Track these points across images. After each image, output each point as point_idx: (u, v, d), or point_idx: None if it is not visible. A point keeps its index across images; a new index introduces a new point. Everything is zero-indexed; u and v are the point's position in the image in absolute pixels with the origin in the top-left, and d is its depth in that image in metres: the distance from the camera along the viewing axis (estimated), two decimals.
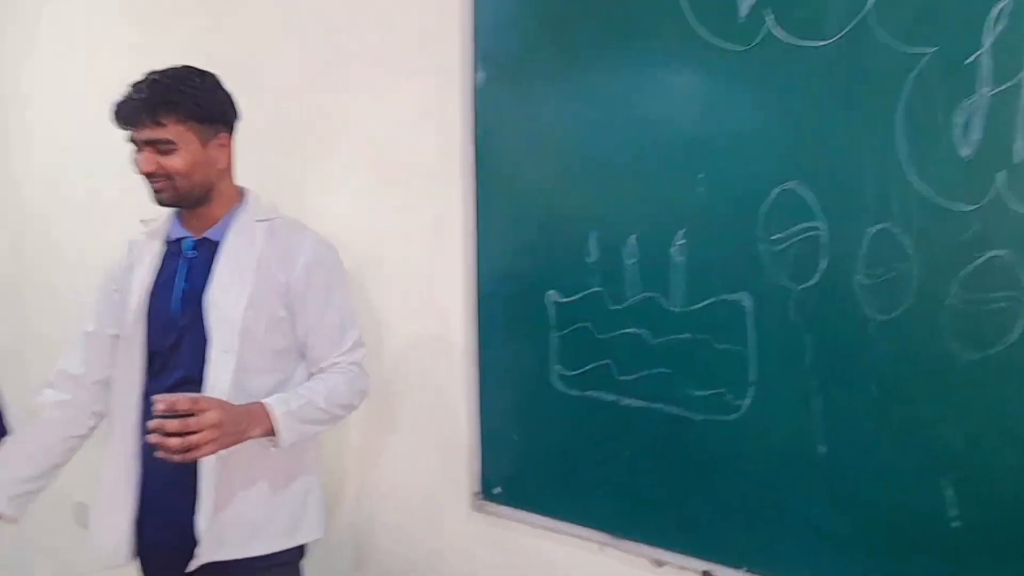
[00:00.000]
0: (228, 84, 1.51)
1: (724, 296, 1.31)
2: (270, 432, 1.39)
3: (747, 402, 1.30)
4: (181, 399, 1.29)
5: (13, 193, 2.82)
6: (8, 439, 1.58)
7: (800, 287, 1.23)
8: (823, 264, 1.20)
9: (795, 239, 1.23)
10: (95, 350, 1.59)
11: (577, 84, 1.46)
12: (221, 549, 1.47)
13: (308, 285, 1.51)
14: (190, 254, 1.53)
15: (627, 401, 1.44)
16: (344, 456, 1.90)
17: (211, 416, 1.29)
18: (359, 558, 1.89)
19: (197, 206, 1.51)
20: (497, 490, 1.64)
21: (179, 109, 1.42)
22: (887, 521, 1.17)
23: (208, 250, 1.52)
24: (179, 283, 1.51)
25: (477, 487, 1.66)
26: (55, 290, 2.69)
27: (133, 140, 1.45)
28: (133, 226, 1.62)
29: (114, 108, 1.43)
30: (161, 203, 1.50)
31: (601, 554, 1.49)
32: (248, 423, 1.37)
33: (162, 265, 1.55)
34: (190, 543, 1.45)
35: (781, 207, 1.24)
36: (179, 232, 1.55)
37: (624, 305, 1.43)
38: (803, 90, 1.21)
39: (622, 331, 1.44)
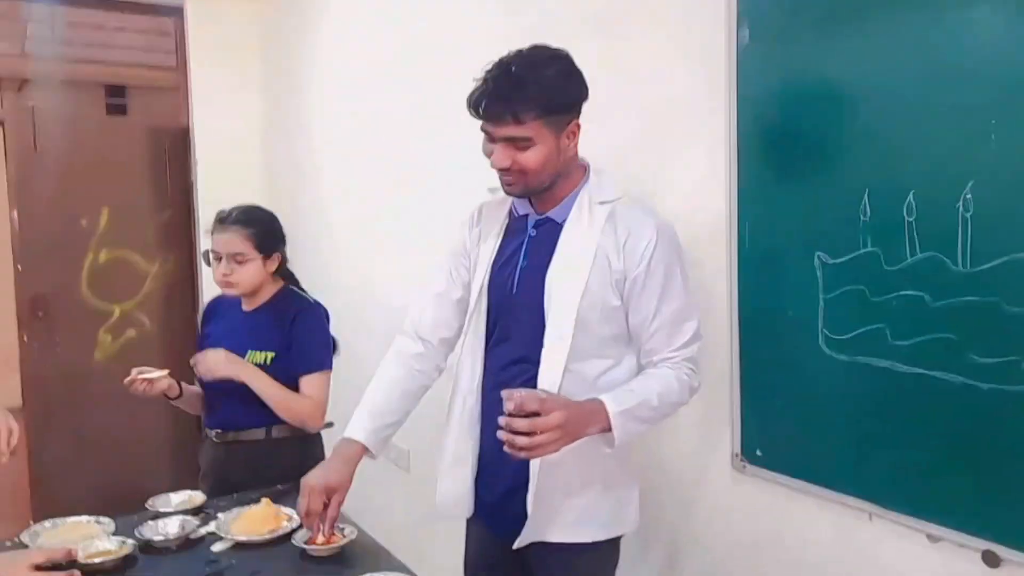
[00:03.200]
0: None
1: (1018, 255, 1.18)
2: (606, 429, 1.40)
3: None
4: (529, 399, 1.32)
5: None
6: (372, 384, 1.70)
7: None
8: None
9: None
10: (442, 310, 1.69)
11: (849, 32, 1.39)
12: (545, 531, 1.52)
13: (646, 276, 1.47)
14: (532, 232, 1.56)
15: (903, 368, 1.35)
16: None
17: (556, 417, 1.31)
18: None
19: (544, 193, 1.52)
20: (758, 453, 1.62)
21: (538, 105, 1.39)
22: None
23: (550, 230, 1.53)
24: (520, 261, 1.55)
25: (738, 449, 1.66)
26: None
27: (487, 132, 1.46)
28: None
29: (470, 100, 1.43)
30: (510, 195, 1.54)
31: (871, 525, 1.43)
32: (588, 422, 1.39)
33: (505, 239, 1.60)
34: (520, 516, 1.52)
35: None
36: (524, 207, 1.58)
37: (901, 266, 1.34)
38: None
39: (898, 293, 1.35)
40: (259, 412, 2.02)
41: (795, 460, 1.55)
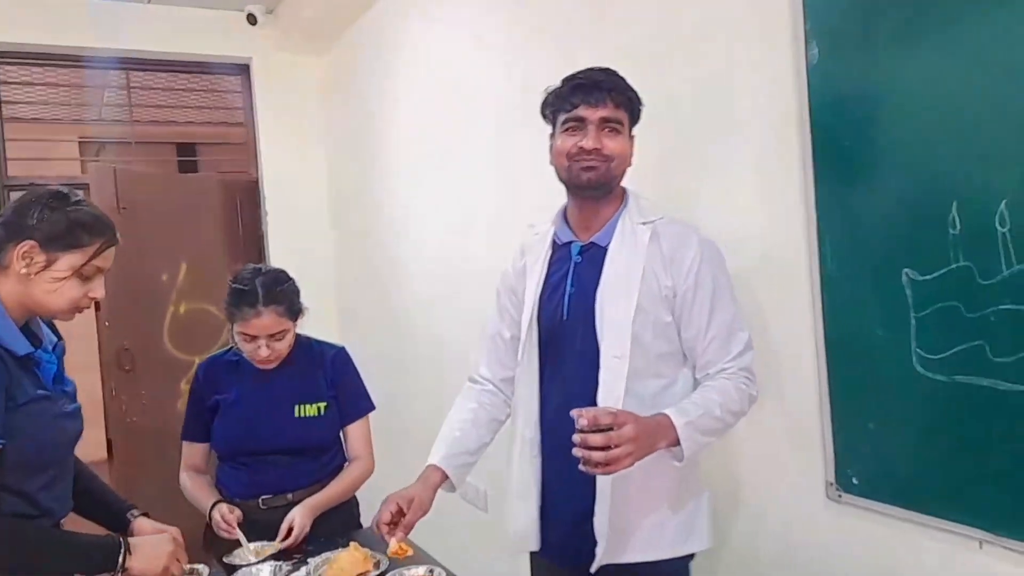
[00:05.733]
0: None
1: None
2: (674, 443, 1.41)
3: None
4: (602, 414, 1.31)
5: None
6: (446, 419, 1.74)
7: None
8: None
9: None
10: (498, 351, 1.73)
11: (926, 42, 1.36)
12: (618, 553, 1.52)
13: (695, 289, 1.50)
14: (577, 259, 1.59)
15: (1006, 386, 1.29)
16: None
17: (630, 430, 1.30)
18: (719, 547, 1.87)
19: (599, 199, 1.56)
20: (854, 481, 1.56)
21: (626, 97, 1.53)
22: None
23: (595, 255, 1.56)
24: (567, 288, 1.57)
25: (831, 477, 1.60)
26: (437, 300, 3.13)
27: (580, 118, 1.51)
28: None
29: (575, 83, 1.52)
30: (586, 182, 1.53)
31: (981, 553, 1.35)
32: (657, 435, 1.38)
33: (551, 268, 1.62)
34: (589, 542, 1.51)
35: None
36: (567, 236, 1.62)
37: (997, 279, 1.29)
38: None
39: (997, 308, 1.29)
40: (311, 471, 2.01)
41: (894, 487, 1.49)
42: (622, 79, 1.55)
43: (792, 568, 1.72)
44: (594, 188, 1.55)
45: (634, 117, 1.57)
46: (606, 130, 1.52)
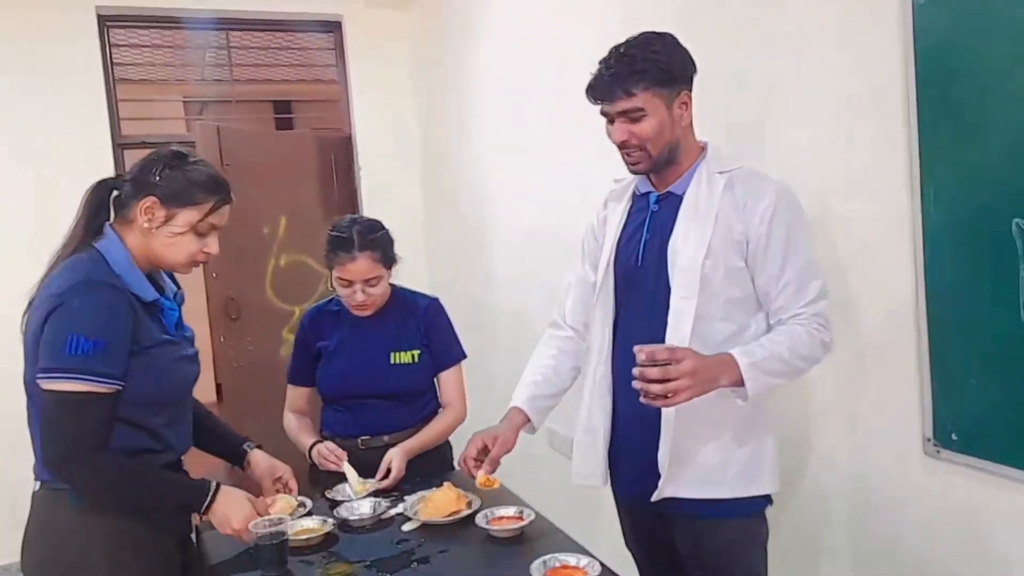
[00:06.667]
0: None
1: None
2: (737, 383, 1.43)
3: None
4: (660, 349, 1.37)
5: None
6: (528, 364, 1.83)
7: None
8: None
9: None
10: (581, 296, 1.79)
11: None
12: (680, 487, 1.57)
13: (769, 235, 1.51)
14: (654, 207, 1.64)
15: None
16: (795, 402, 1.90)
17: (687, 365, 1.35)
18: (816, 505, 1.89)
19: (666, 167, 1.59)
20: (953, 437, 1.53)
21: (647, 78, 1.50)
22: None
23: (671, 203, 1.60)
24: (644, 235, 1.63)
25: (929, 432, 1.57)
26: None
27: (605, 113, 1.57)
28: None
29: (588, 86, 1.57)
30: (637, 172, 1.61)
31: None
32: (718, 372, 1.42)
33: (630, 218, 1.69)
34: (654, 476, 1.57)
35: None
36: (646, 187, 1.67)
37: None
38: None
39: None
40: (406, 415, 2.10)
41: (995, 443, 1.45)
42: (642, 55, 1.50)
43: (888, 521, 1.70)
44: (646, 173, 1.62)
45: (673, 83, 1.53)
46: (628, 120, 1.54)
